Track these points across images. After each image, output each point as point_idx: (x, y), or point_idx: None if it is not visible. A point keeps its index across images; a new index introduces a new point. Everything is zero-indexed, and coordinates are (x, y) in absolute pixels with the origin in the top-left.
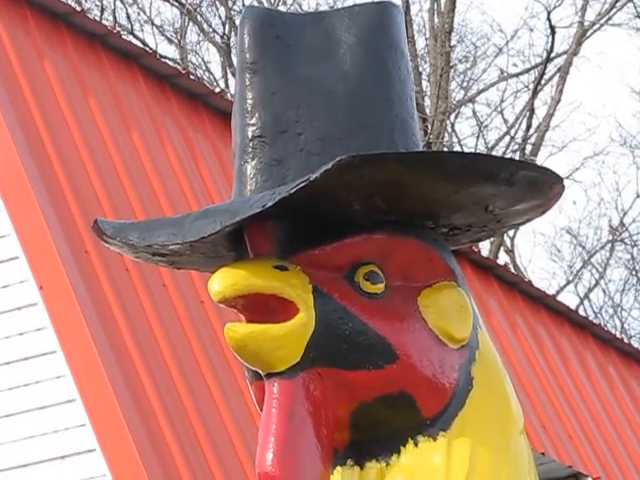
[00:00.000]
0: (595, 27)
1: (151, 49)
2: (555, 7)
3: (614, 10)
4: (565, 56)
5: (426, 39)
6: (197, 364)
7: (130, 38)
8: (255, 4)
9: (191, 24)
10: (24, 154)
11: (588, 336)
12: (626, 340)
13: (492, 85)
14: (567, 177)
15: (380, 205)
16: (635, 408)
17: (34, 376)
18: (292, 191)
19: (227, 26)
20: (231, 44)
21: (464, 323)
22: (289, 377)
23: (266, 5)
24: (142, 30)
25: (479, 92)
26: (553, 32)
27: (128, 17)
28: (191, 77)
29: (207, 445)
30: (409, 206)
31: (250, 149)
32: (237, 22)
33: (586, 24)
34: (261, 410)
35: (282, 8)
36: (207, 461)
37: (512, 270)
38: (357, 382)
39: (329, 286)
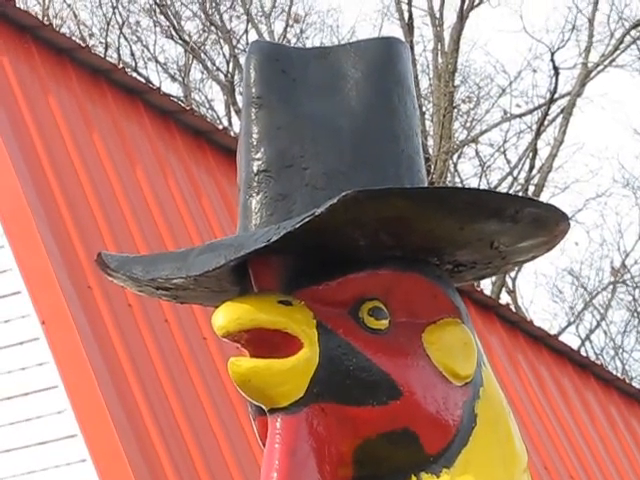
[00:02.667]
0: (599, 68)
1: (155, 85)
2: (559, 48)
3: (618, 52)
4: (568, 97)
5: (430, 79)
6: (199, 400)
7: (134, 75)
8: (261, 40)
9: (195, 62)
10: (27, 189)
11: (590, 376)
12: (627, 381)
13: (495, 125)
14: (569, 218)
15: (385, 241)
16: (637, 449)
17: (35, 411)
18: (297, 226)
19: (231, 64)
20: (235, 82)
21: (468, 360)
22: (292, 412)
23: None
24: (146, 67)
25: (482, 132)
26: (557, 73)
27: (132, 54)
28: (195, 114)
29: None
30: (414, 242)
31: (255, 183)
32: (241, 60)
33: (590, 65)
34: (264, 446)
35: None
36: None
37: (514, 310)
38: (361, 418)
39: (333, 322)
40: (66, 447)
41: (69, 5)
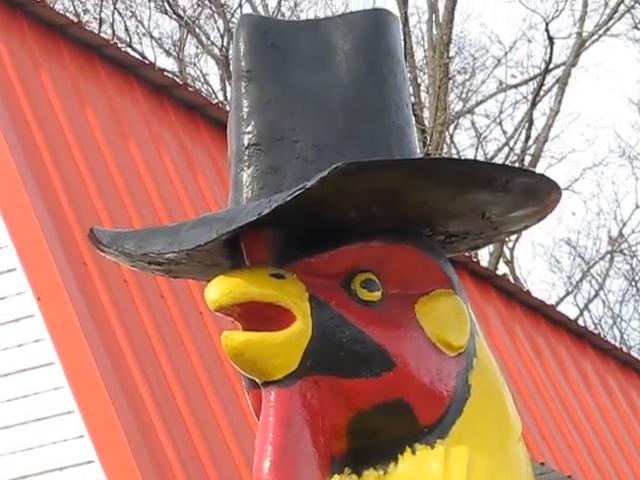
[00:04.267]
0: (593, 38)
1: (149, 60)
2: (553, 18)
3: (612, 21)
4: (564, 67)
5: (425, 51)
6: (195, 374)
7: (128, 50)
8: (250, 13)
9: (189, 37)
10: (21, 165)
11: (587, 346)
12: (625, 350)
13: (491, 96)
14: (566, 188)
15: (377, 212)
16: (635, 418)
17: (32, 388)
18: (288, 199)
19: (225, 38)
20: (229, 56)
21: (461, 331)
22: (286, 385)
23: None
24: (140, 43)
25: (478, 103)
26: (552, 43)
27: (126, 30)
28: (189, 88)
29: (206, 455)
30: (405, 213)
31: (246, 157)
32: None
33: (584, 35)
34: (258, 419)
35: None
36: (206, 471)
37: (511, 280)
38: (354, 390)
39: (326, 294)
40: (63, 423)
41: None
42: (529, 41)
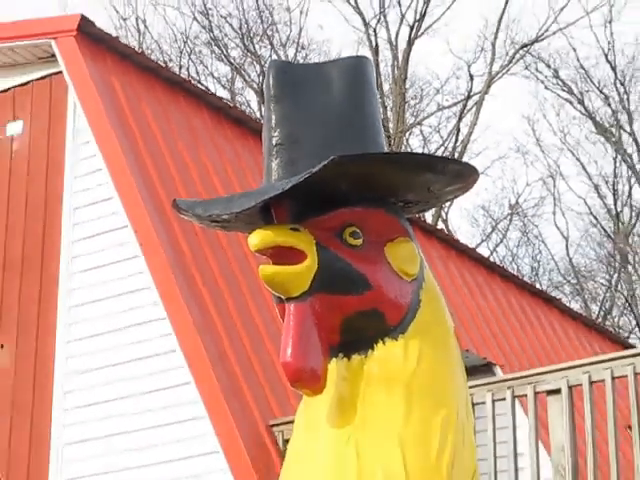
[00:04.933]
0: (499, 75)
1: (211, 92)
2: (473, 62)
3: (511, 64)
4: (479, 94)
5: (390, 84)
6: (243, 294)
7: (198, 85)
8: (276, 59)
9: (238, 76)
10: (133, 167)
11: (496, 275)
12: (521, 277)
13: (432, 114)
14: (482, 173)
15: (360, 187)
16: (526, 319)
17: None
18: (301, 179)
19: (261, 77)
20: (263, 88)
21: (414, 264)
22: (301, 300)
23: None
24: (206, 80)
25: (424, 118)
26: (472, 79)
27: (197, 72)
28: (238, 109)
29: (249, 344)
30: (379, 188)
31: (274, 153)
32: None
33: (493, 73)
34: (283, 322)
35: (298, 60)
36: (248, 355)
37: (447, 232)
38: (345, 303)
39: (326, 241)
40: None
41: (156, 41)
42: (457, 77)
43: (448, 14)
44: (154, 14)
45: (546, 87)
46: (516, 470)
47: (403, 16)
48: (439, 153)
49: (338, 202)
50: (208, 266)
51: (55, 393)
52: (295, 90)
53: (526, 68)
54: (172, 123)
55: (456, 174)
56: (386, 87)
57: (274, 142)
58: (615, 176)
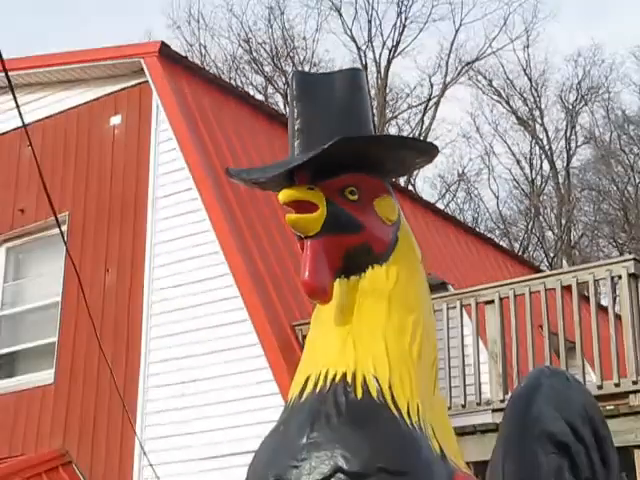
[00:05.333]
0: (451, 83)
1: (256, 98)
2: (433, 74)
3: (459, 76)
4: (437, 97)
5: (374, 90)
6: (272, 235)
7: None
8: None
9: (269, 85)
10: (198, 147)
11: (449, 222)
12: (472, 226)
13: (404, 111)
14: (440, 151)
15: (356, 160)
16: (469, 253)
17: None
18: (315, 154)
19: (286, 85)
20: (288, 92)
21: (394, 213)
22: (315, 238)
23: (302, 69)
24: (247, 87)
25: (399, 114)
26: (432, 86)
27: (241, 82)
28: (272, 108)
29: (279, 270)
30: (371, 161)
31: (296, 137)
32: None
33: (447, 82)
34: (302, 253)
35: (314, 69)
36: (279, 277)
37: (414, 193)
38: (345, 240)
39: (332, 197)
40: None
41: (212, 60)
42: (421, 85)
43: (416, 42)
44: (212, 41)
45: (483, 92)
46: (463, 357)
47: (384, 43)
48: None
49: (341, 170)
50: (252, 222)
51: (144, 312)
52: (310, 92)
53: (469, 79)
54: (226, 119)
55: (422, 150)
56: (372, 92)
57: (296, 128)
58: (531, 154)
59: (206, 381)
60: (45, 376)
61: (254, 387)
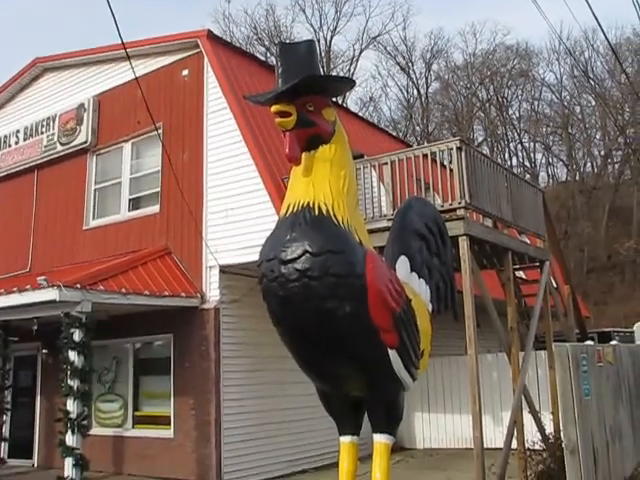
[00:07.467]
0: (365, 49)
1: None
2: (355, 44)
3: (369, 45)
4: (357, 57)
5: (323, 54)
6: (272, 133)
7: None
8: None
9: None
10: (240, 106)
11: (365, 123)
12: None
13: (338, 65)
14: (356, 84)
15: (317, 89)
16: (383, 139)
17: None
18: (290, 85)
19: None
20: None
21: (333, 115)
22: (291, 131)
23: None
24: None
25: (335, 67)
26: (354, 51)
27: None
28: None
29: (275, 151)
30: (323, 88)
31: (280, 77)
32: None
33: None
34: (284, 139)
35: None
36: (273, 154)
37: (345, 106)
38: (307, 131)
39: (299, 109)
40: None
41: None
42: (349, 50)
43: (346, 27)
44: (236, 28)
45: (382, 54)
46: (372, 193)
47: (328, 27)
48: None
49: (303, 93)
50: (265, 132)
51: (204, 175)
52: (287, 52)
53: (374, 47)
54: (247, 74)
55: (347, 82)
56: (323, 54)
57: (279, 72)
58: (407, 85)
59: None
60: (156, 209)
61: None
